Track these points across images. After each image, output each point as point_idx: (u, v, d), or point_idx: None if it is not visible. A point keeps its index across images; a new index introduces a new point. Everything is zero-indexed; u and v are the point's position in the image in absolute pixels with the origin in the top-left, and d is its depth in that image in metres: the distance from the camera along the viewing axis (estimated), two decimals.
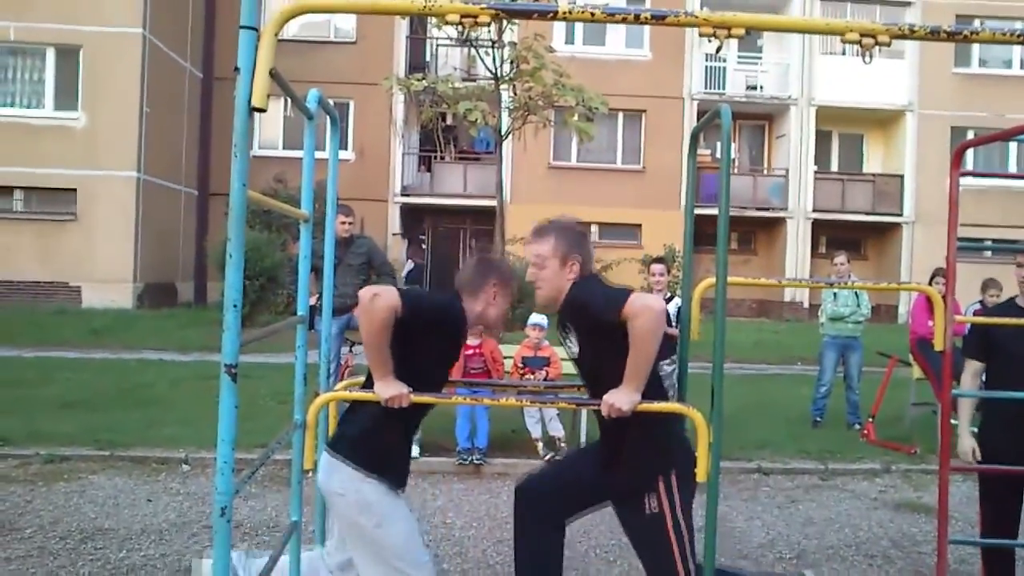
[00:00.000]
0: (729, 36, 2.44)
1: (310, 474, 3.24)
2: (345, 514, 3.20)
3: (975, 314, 8.45)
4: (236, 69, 2.05)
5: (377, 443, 3.17)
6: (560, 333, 3.41)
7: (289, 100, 2.74)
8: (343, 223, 8.16)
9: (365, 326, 3.00)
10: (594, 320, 3.14)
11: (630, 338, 3.00)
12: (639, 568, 3.72)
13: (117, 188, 19.60)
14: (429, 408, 3.36)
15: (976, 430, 4.08)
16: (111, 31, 19.55)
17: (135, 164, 19.79)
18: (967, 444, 4.03)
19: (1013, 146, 25.26)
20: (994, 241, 20.89)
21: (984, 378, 4.10)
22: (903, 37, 2.49)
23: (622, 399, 2.99)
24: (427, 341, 3.15)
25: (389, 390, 3.02)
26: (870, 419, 8.82)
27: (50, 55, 19.92)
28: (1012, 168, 25.61)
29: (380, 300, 2.95)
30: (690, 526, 3.24)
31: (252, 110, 2.05)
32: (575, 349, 3.33)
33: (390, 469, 3.20)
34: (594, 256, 3.42)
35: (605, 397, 3.02)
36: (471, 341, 7.57)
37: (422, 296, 3.19)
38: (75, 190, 19.57)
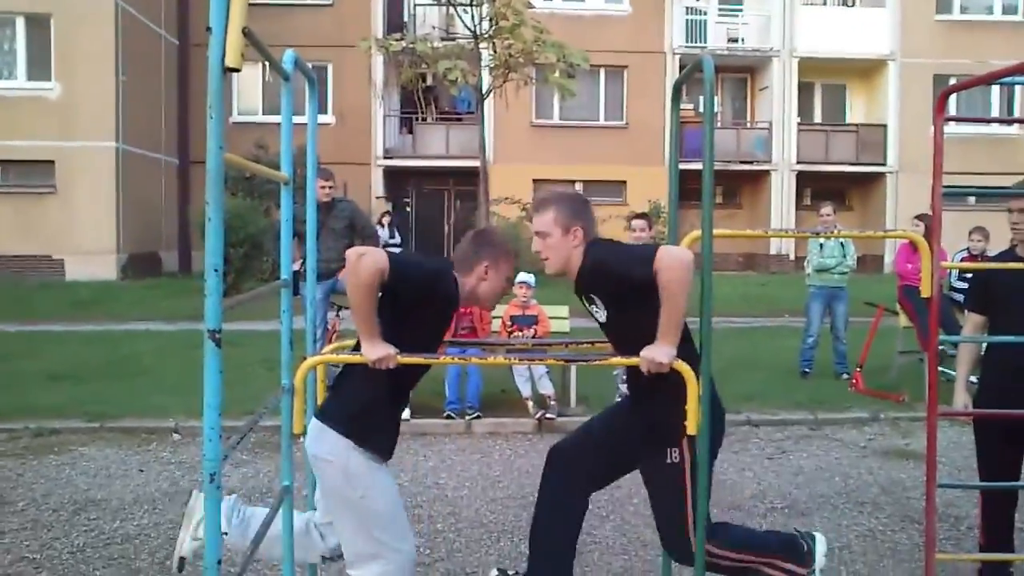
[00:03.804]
0: None
1: (301, 439, 3.23)
2: (331, 482, 3.14)
3: (963, 261, 8.50)
4: (208, 29, 2.00)
5: (366, 412, 3.11)
6: (584, 301, 3.36)
7: (267, 65, 2.69)
8: (323, 187, 8.07)
9: (351, 286, 2.95)
10: (621, 280, 3.12)
11: (661, 293, 2.97)
12: (631, 523, 3.76)
13: (96, 159, 19.39)
14: (420, 374, 3.33)
15: (975, 380, 4.07)
16: None
17: (113, 134, 19.56)
18: (960, 400, 4.02)
19: (995, 93, 25.22)
20: (978, 188, 20.93)
21: (987, 333, 4.06)
22: None
23: (660, 353, 2.97)
24: (416, 309, 3.08)
25: (376, 351, 2.98)
26: (858, 368, 8.87)
27: (20, 24, 19.59)
28: (994, 115, 25.59)
29: (367, 260, 2.89)
30: (707, 481, 3.24)
31: (227, 70, 2.00)
32: (602, 316, 3.29)
33: (378, 439, 3.15)
34: (596, 222, 3.40)
35: (643, 353, 3.00)
36: None
37: (411, 263, 3.11)
38: (53, 162, 19.36)
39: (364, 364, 2.98)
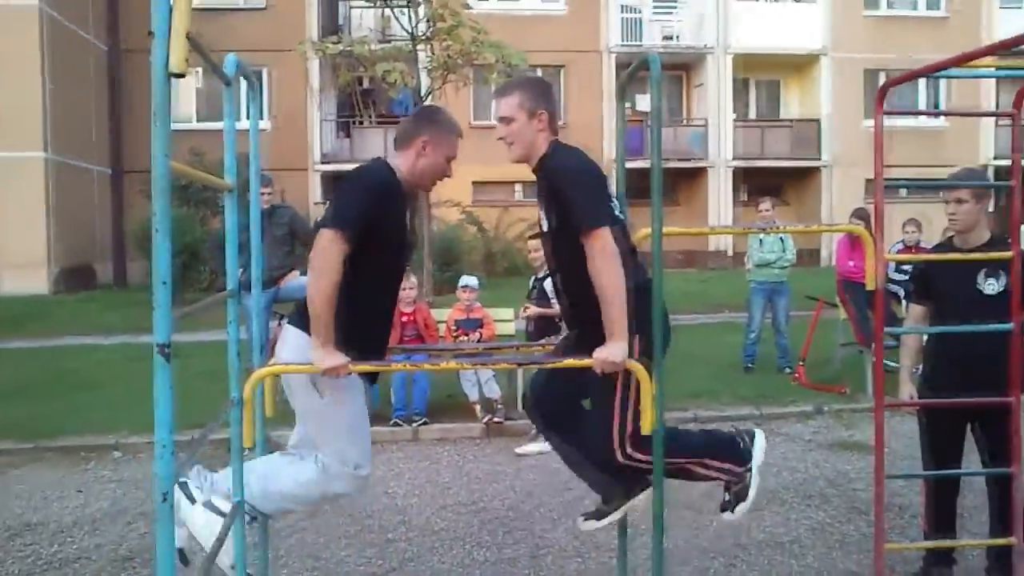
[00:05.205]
0: None
1: (248, 452, 3.16)
2: (300, 386, 3.15)
3: (898, 253, 8.67)
4: (150, 33, 1.93)
5: (341, 321, 3.03)
6: (538, 199, 3.37)
7: (201, 72, 2.62)
8: (263, 194, 7.93)
9: (314, 292, 2.91)
10: (566, 208, 3.10)
11: (597, 292, 2.96)
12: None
13: (24, 170, 18.84)
14: (399, 268, 3.39)
15: (919, 370, 4.15)
16: (3, 4, 18.61)
17: (41, 144, 19.05)
18: (906, 391, 4.09)
19: (922, 87, 25.84)
20: (916, 180, 21.37)
21: (929, 324, 4.14)
22: None
23: (614, 352, 2.93)
24: (372, 227, 3.05)
25: (328, 360, 2.92)
26: (800, 362, 9.00)
27: None
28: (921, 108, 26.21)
29: (329, 259, 2.90)
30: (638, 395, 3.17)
31: (170, 75, 1.94)
32: (545, 224, 3.29)
33: (352, 346, 3.05)
34: (560, 108, 3.40)
35: (595, 354, 2.96)
36: (404, 308, 7.48)
37: (347, 204, 3.06)
38: None
39: (343, 288, 2.96)
